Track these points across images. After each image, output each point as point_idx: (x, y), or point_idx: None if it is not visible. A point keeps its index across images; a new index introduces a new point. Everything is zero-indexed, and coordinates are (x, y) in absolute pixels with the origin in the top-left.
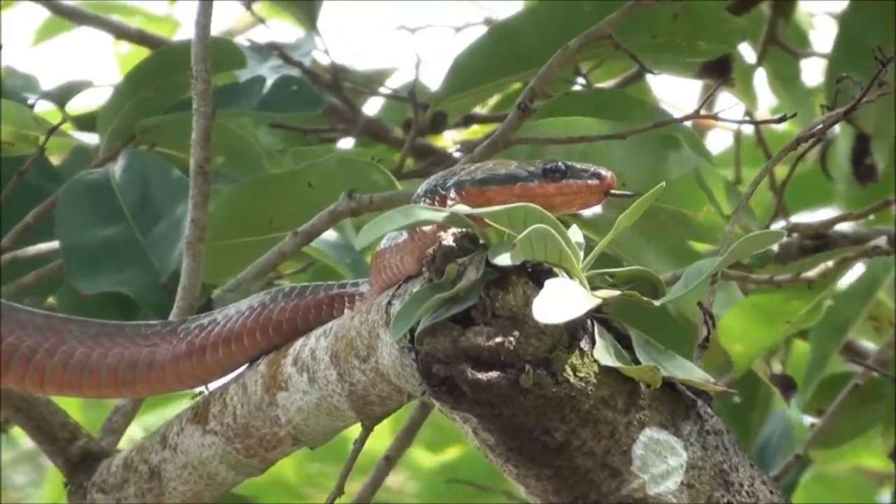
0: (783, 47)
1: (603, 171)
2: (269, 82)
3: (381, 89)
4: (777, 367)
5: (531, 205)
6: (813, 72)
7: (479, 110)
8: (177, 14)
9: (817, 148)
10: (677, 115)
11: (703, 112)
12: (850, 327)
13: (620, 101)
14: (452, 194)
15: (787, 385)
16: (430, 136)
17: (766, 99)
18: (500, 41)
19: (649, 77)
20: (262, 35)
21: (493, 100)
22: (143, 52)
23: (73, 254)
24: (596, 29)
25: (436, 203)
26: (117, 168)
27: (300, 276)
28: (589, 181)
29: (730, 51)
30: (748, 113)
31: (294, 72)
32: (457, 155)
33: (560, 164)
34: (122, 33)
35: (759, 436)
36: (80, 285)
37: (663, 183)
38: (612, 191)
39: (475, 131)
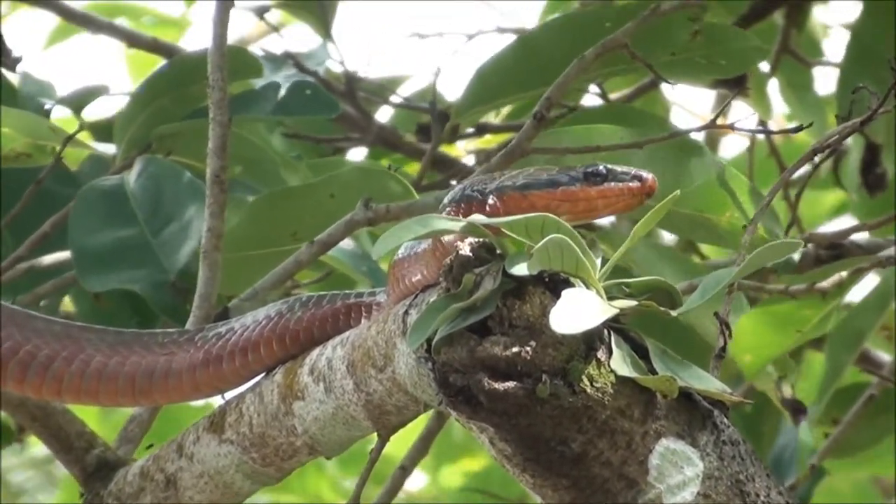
0: (796, 56)
1: (644, 174)
2: (284, 88)
3: (395, 98)
4: (787, 391)
5: (548, 214)
6: (825, 81)
7: (493, 119)
8: (191, 15)
9: (831, 158)
10: (691, 120)
11: (718, 122)
12: (864, 338)
13: (636, 116)
14: (492, 200)
15: (796, 409)
16: (444, 145)
17: (778, 106)
18: (524, 53)
19: (665, 87)
20: (276, 44)
21: (506, 108)
22: (153, 56)
23: (83, 254)
24: (612, 38)
25: (462, 212)
26: (132, 174)
27: (318, 286)
28: (630, 184)
29: (748, 69)
30: (762, 122)
31: (308, 79)
32: (471, 164)
33: (601, 167)
34: (133, 41)
35: (773, 446)
36: (89, 284)
37: (678, 192)
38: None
39: (488, 140)
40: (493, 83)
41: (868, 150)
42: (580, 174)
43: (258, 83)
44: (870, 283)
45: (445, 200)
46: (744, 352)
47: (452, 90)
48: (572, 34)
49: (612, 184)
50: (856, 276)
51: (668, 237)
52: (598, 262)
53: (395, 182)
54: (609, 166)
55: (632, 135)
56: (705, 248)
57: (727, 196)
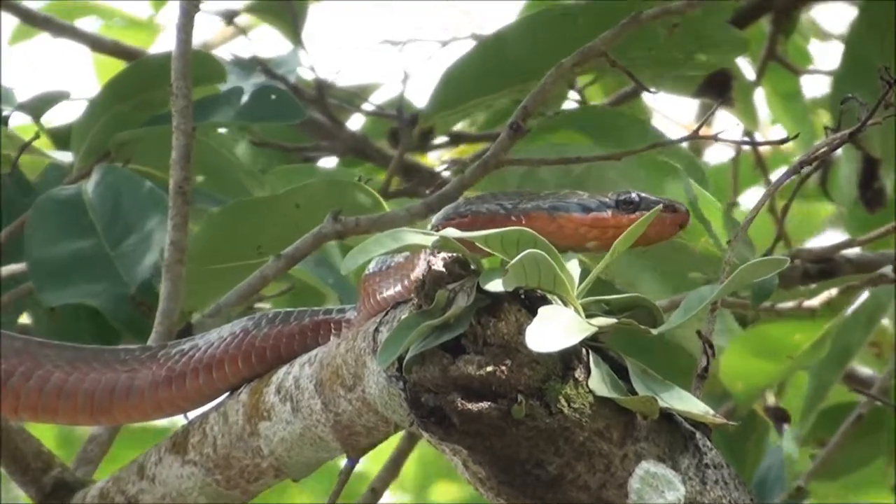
0: (783, 63)
1: (677, 204)
2: (248, 92)
3: (366, 105)
4: (770, 399)
5: (525, 229)
6: (813, 89)
7: (468, 129)
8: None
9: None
10: (675, 130)
11: (701, 131)
12: (851, 355)
13: (616, 120)
14: (515, 218)
15: (779, 417)
16: (416, 154)
17: (764, 114)
18: (490, 55)
19: (646, 94)
20: (244, 48)
21: (482, 117)
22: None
23: (40, 267)
24: (590, 47)
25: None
26: (90, 184)
27: (283, 300)
28: (664, 214)
29: (729, 64)
30: (748, 133)
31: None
32: (445, 174)
33: (634, 195)
34: (97, 45)
35: (757, 468)
36: (47, 298)
37: (660, 206)
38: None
39: (464, 150)
40: (459, 86)
41: (866, 164)
42: (612, 201)
43: (222, 87)
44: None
45: (437, 218)
46: (735, 379)
47: (425, 98)
48: (540, 33)
49: (645, 213)
50: (847, 294)
51: None
52: (577, 277)
53: (364, 194)
54: (642, 194)
55: (610, 147)
56: None
57: (700, 225)
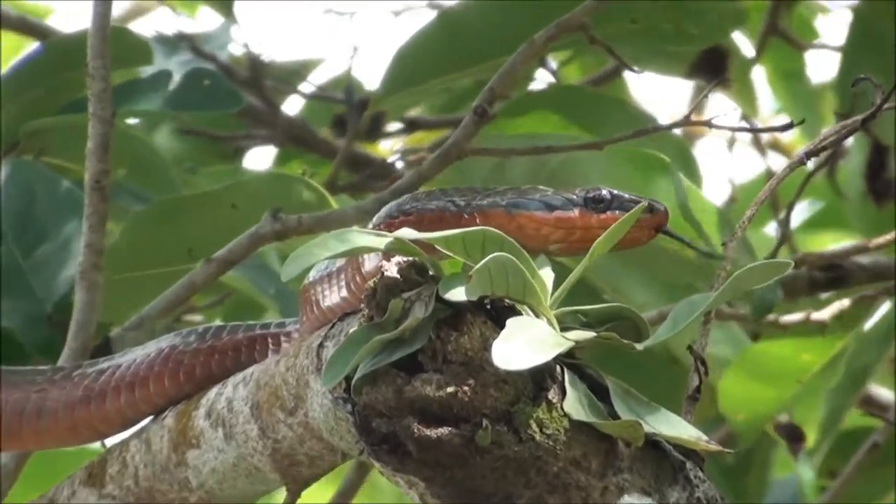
0: (786, 38)
1: (656, 204)
2: (178, 77)
3: (307, 86)
4: (783, 415)
5: (490, 229)
6: (821, 67)
7: (426, 115)
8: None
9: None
10: (663, 118)
11: (693, 117)
12: (868, 376)
13: (595, 103)
14: (466, 217)
15: (793, 436)
16: (366, 143)
17: (766, 100)
18: (450, 29)
19: (630, 74)
20: (169, 24)
21: (442, 100)
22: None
23: None
24: (567, 19)
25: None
26: None
27: (216, 312)
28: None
29: (725, 39)
30: (745, 117)
31: (207, 66)
32: (399, 165)
33: (605, 192)
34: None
35: (763, 499)
36: None
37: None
38: (665, 229)
39: (421, 138)
40: (415, 64)
41: (874, 153)
42: (580, 198)
43: (147, 70)
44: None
45: (377, 218)
46: (736, 409)
47: (376, 78)
48: (508, 6)
49: (617, 212)
50: (861, 306)
51: None
52: (550, 284)
53: (308, 189)
54: (614, 191)
55: (589, 133)
56: None
57: (690, 228)
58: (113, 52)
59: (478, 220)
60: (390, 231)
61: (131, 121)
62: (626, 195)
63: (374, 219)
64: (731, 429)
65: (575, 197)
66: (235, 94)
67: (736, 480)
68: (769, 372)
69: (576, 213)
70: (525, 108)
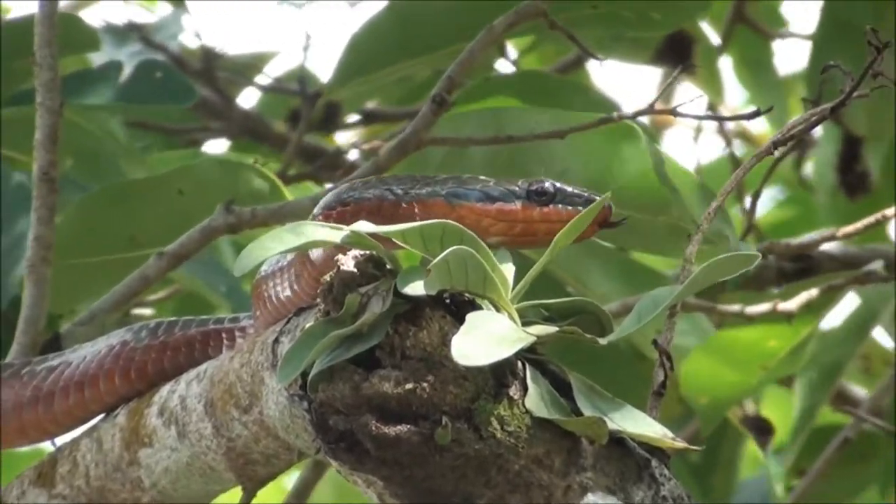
0: (753, 26)
1: (599, 198)
2: (128, 69)
3: (262, 77)
4: (749, 407)
5: (449, 222)
6: (788, 56)
7: (383, 106)
8: None
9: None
10: (627, 107)
11: (658, 106)
12: (841, 372)
13: (557, 88)
14: (404, 206)
15: (761, 429)
16: (322, 135)
17: (733, 89)
18: (402, 16)
19: (593, 64)
20: (118, 13)
21: (398, 92)
22: None
23: None
24: (526, 5)
25: (350, 220)
26: None
27: (167, 306)
28: (581, 209)
29: (690, 25)
30: (711, 107)
31: (158, 57)
32: (354, 156)
33: (548, 184)
34: None
35: (728, 500)
36: None
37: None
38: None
39: (378, 129)
40: (370, 52)
41: (847, 144)
42: (522, 190)
43: (96, 60)
44: (847, 303)
45: (319, 207)
46: (699, 394)
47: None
48: None
49: (560, 206)
50: (830, 295)
51: None
52: (511, 278)
53: (261, 179)
54: (558, 185)
55: (550, 116)
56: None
57: (668, 193)
58: (60, 39)
59: (416, 210)
60: (329, 222)
61: None
62: (570, 188)
63: (315, 209)
64: (695, 412)
65: (517, 189)
66: (189, 88)
67: (703, 478)
68: (734, 357)
69: (517, 205)
70: (485, 92)
